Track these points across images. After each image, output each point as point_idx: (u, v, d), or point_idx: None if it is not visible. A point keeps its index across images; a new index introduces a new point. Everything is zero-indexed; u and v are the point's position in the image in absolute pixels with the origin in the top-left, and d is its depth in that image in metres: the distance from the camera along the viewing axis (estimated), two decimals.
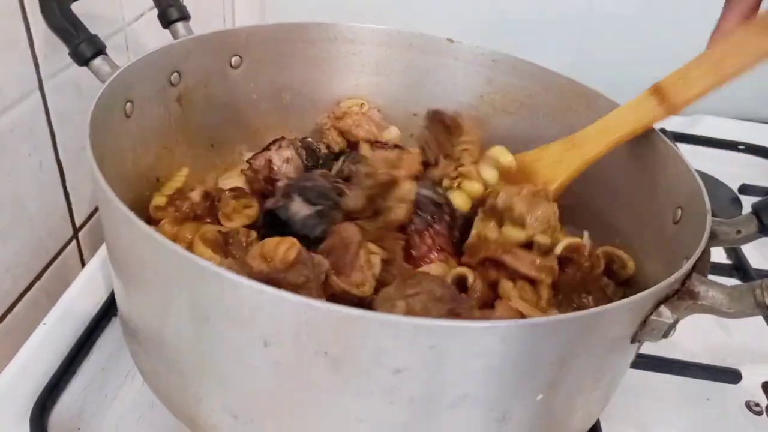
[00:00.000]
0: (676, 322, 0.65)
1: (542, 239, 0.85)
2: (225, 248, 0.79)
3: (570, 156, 0.91)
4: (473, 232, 0.87)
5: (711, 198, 1.26)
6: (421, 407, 0.61)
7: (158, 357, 0.73)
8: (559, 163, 0.91)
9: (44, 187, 0.99)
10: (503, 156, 0.92)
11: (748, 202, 1.29)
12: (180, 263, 0.59)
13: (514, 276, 0.82)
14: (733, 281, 1.13)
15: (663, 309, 0.65)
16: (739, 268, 1.16)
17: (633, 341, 0.67)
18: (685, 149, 1.44)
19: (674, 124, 1.59)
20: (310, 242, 0.79)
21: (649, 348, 0.73)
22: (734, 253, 1.18)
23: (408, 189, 0.86)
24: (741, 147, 1.57)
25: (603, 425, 0.86)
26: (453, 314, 0.69)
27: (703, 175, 1.35)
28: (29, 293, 0.99)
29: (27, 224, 0.97)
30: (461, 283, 0.83)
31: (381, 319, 0.56)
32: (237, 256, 0.78)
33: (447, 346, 0.56)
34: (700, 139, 1.55)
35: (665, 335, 0.66)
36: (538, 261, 0.82)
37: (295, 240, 0.71)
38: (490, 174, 0.91)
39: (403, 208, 0.85)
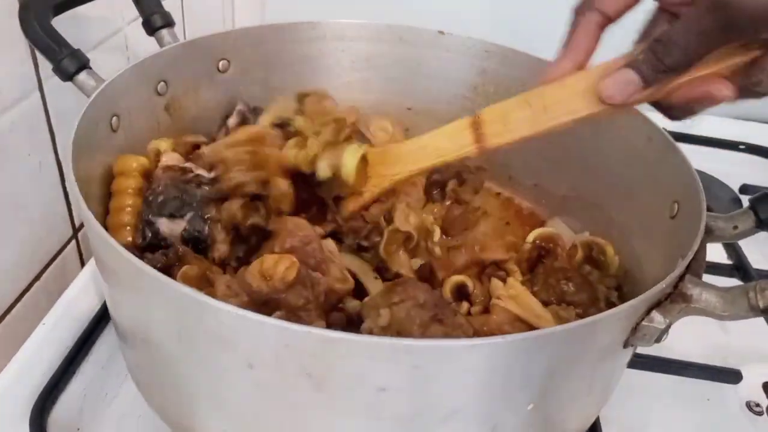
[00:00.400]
0: (668, 327, 0.64)
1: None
2: (210, 278, 0.77)
3: (378, 175, 0.87)
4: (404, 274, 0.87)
5: (712, 198, 1.25)
6: (408, 423, 0.61)
7: (153, 372, 0.74)
8: (369, 179, 0.87)
9: (44, 187, 0.99)
10: (345, 157, 0.85)
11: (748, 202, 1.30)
12: (162, 289, 0.59)
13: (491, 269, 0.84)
14: (733, 281, 1.12)
15: (654, 314, 0.64)
16: (739, 268, 1.14)
17: (625, 346, 0.66)
18: (685, 149, 1.40)
19: (674, 124, 1.54)
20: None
21: (649, 348, 0.72)
22: (734, 252, 1.17)
23: (283, 187, 0.84)
24: (742, 147, 1.55)
25: (603, 425, 0.86)
26: (436, 320, 0.69)
27: (704, 175, 1.36)
28: (29, 293, 1.00)
29: (27, 224, 0.97)
30: (462, 291, 0.84)
31: (360, 341, 0.55)
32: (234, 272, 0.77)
33: (430, 364, 0.56)
34: (700, 139, 1.53)
35: (657, 340, 0.65)
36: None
37: (294, 259, 0.70)
38: (322, 168, 0.85)
39: (287, 202, 0.84)
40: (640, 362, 0.94)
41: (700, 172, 1.27)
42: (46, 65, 0.90)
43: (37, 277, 1.02)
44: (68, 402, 0.85)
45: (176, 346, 0.64)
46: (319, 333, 0.54)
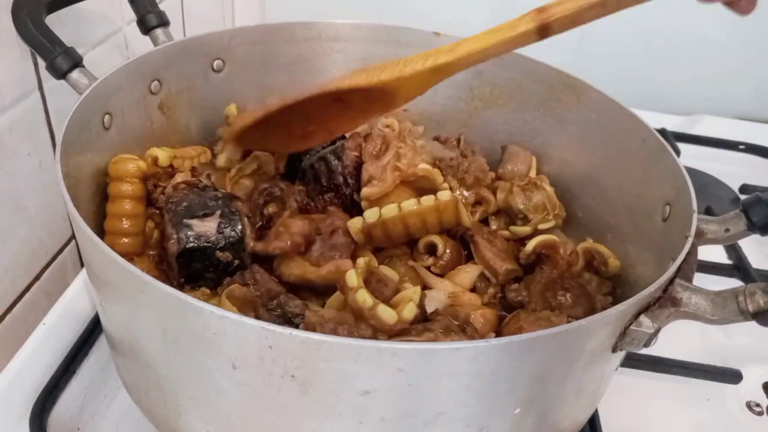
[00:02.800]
0: (657, 331, 0.64)
1: (544, 226, 0.92)
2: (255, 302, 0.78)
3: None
4: None
5: (712, 198, 1.27)
6: (394, 426, 0.61)
7: (139, 373, 0.74)
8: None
9: (44, 187, 0.99)
10: None
11: None
12: (146, 289, 0.60)
13: None
14: (734, 281, 1.13)
15: (643, 318, 0.63)
16: (739, 268, 1.15)
17: (614, 351, 0.65)
18: (685, 149, 1.45)
19: (675, 124, 1.59)
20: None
21: (649, 348, 0.72)
22: (735, 252, 1.17)
23: None
24: (742, 147, 1.55)
25: (603, 425, 0.86)
26: None
27: (704, 175, 1.39)
28: (28, 293, 1.00)
29: (26, 224, 0.97)
30: (431, 249, 0.87)
31: (343, 344, 0.55)
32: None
33: (415, 367, 0.56)
34: (700, 139, 1.54)
35: (646, 345, 0.65)
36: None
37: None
38: None
39: None
40: (641, 362, 0.95)
41: (700, 172, 1.30)
42: None
43: (37, 278, 1.02)
44: (68, 402, 0.86)
45: (161, 347, 0.64)
46: (301, 335, 0.54)
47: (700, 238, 0.76)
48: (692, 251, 0.71)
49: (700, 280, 1.01)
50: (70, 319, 0.94)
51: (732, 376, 0.96)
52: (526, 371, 0.60)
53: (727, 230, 0.77)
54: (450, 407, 0.61)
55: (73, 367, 0.89)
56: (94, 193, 0.84)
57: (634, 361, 0.94)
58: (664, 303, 0.65)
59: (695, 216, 0.72)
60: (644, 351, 0.84)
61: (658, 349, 0.77)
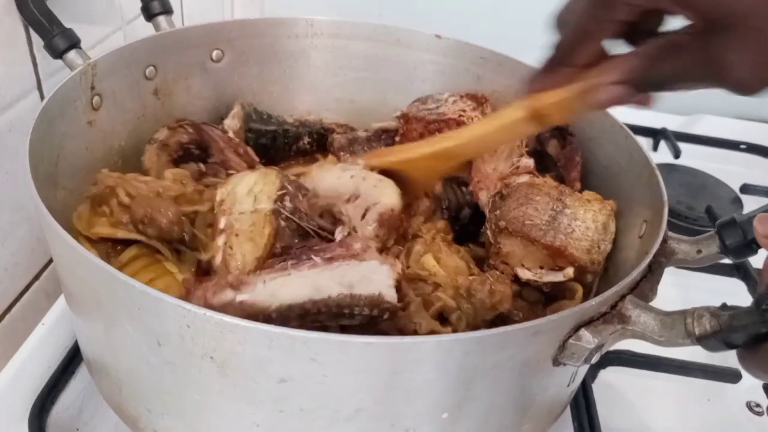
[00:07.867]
0: (599, 347, 0.62)
1: None
2: None
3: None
4: None
5: (712, 198, 1.28)
6: (313, 418, 0.61)
7: (91, 348, 0.76)
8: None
9: None
10: None
11: (749, 201, 1.31)
12: (82, 262, 0.61)
13: None
14: (734, 281, 1.11)
15: (583, 332, 0.62)
16: (739, 267, 1.12)
17: (555, 364, 0.63)
18: (686, 149, 1.47)
19: (676, 123, 1.59)
20: None
21: (648, 348, 0.71)
22: None
23: None
24: (742, 146, 1.55)
25: (602, 425, 0.86)
26: None
27: (704, 175, 1.41)
28: (28, 293, 1.01)
29: (26, 224, 0.97)
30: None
31: (256, 329, 0.55)
32: None
33: (327, 358, 0.56)
34: (701, 138, 1.55)
35: (587, 360, 0.63)
36: None
37: None
38: None
39: None
40: (640, 362, 0.94)
41: (700, 172, 1.34)
42: (44, 65, 0.93)
43: (36, 277, 1.02)
44: (67, 402, 0.86)
45: (99, 320, 0.67)
46: (216, 317, 0.55)
47: (670, 258, 0.74)
48: (656, 271, 0.70)
49: (700, 279, 1.06)
50: (70, 318, 0.93)
51: (732, 375, 0.94)
52: (448, 374, 0.59)
53: (699, 251, 0.75)
54: (369, 404, 0.60)
55: (72, 367, 0.89)
56: (78, 171, 0.85)
57: (633, 361, 0.94)
58: (611, 319, 0.63)
59: (661, 233, 0.70)
60: (644, 350, 0.84)
61: (658, 348, 0.75)
